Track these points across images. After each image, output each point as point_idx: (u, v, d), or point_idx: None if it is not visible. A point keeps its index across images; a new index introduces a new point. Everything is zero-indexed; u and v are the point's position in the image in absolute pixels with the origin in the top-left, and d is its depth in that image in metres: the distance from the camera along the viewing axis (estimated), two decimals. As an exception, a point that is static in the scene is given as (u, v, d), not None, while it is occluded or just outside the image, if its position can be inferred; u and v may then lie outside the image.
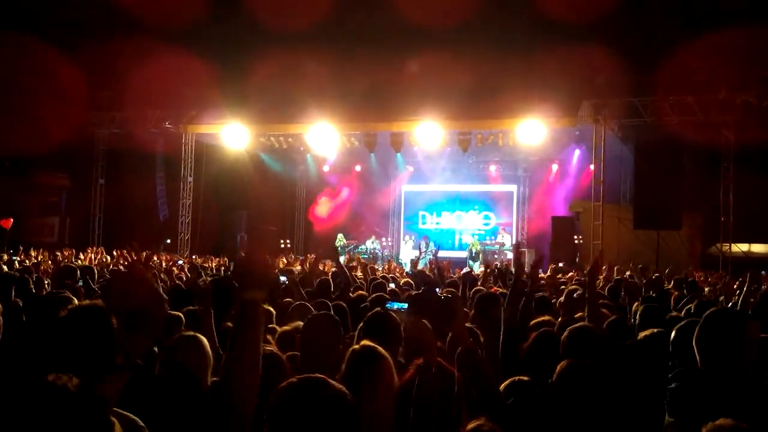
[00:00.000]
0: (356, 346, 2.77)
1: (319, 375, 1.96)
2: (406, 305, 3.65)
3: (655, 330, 3.94)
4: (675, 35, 15.26)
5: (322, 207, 25.91)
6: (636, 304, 6.26)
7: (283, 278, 7.34)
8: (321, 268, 12.42)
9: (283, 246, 22.69)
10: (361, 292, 6.44)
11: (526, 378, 3.16)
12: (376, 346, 2.74)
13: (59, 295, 4.78)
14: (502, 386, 3.05)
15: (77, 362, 2.40)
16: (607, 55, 15.23)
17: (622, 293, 7.54)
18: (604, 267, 13.27)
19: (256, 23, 16.19)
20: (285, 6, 16.33)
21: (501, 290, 7.48)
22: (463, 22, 15.68)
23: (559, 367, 2.94)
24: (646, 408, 2.89)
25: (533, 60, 15.65)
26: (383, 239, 24.36)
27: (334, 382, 1.94)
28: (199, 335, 3.21)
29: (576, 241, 18.68)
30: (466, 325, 4.43)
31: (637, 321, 4.97)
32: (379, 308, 3.65)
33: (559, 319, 4.63)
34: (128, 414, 2.33)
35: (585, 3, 14.93)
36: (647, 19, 16.49)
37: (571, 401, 2.80)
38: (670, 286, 8.70)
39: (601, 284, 9.74)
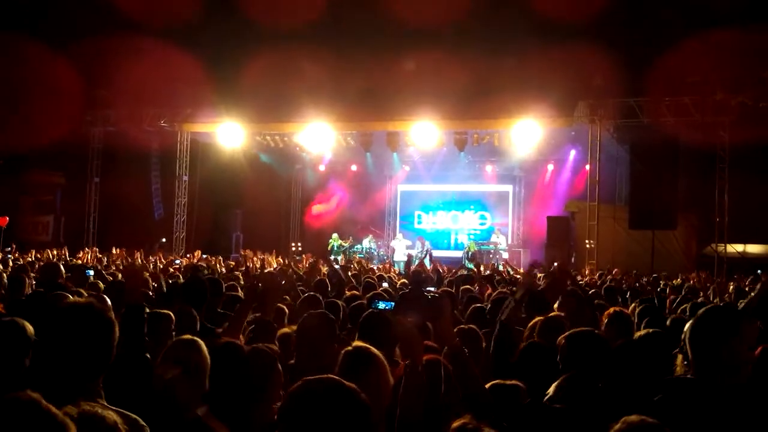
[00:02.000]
0: (349, 347, 2.76)
1: (333, 376, 1.95)
2: (392, 304, 3.65)
3: (650, 330, 3.95)
4: (671, 36, 15.29)
5: (318, 206, 25.89)
6: (633, 305, 6.28)
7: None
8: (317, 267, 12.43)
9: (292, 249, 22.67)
10: (354, 291, 6.45)
11: (512, 382, 3.14)
12: (369, 346, 2.73)
13: (55, 293, 4.76)
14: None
15: (74, 360, 2.38)
16: (603, 55, 15.26)
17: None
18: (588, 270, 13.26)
19: (252, 22, 16.17)
20: (281, 5, 16.31)
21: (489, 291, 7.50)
22: (459, 22, 15.69)
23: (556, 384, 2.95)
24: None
25: (529, 60, 15.65)
26: (380, 239, 24.31)
27: (349, 383, 1.93)
28: (197, 339, 3.20)
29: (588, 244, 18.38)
30: (470, 326, 4.44)
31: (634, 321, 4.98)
32: (372, 309, 3.64)
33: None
34: (130, 414, 2.32)
35: (581, 3, 14.95)
36: (643, 20, 16.52)
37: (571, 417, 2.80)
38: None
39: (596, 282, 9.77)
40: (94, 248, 15.31)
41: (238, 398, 2.51)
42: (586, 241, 17.42)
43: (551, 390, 3.05)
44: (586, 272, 14.97)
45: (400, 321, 2.60)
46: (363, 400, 1.88)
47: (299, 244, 24.08)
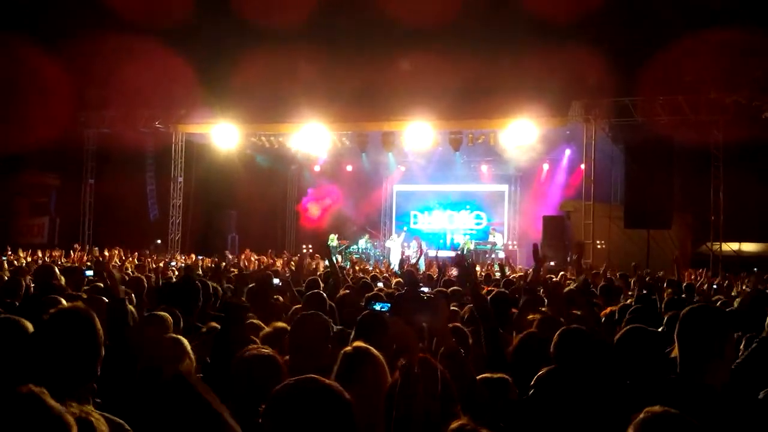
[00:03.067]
0: (348, 348, 2.76)
1: (314, 375, 1.98)
2: (389, 305, 3.65)
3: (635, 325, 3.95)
4: (665, 35, 15.32)
5: (314, 207, 25.86)
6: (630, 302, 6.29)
7: (276, 281, 7.35)
8: (313, 265, 12.43)
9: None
10: (346, 291, 6.45)
11: (499, 375, 3.16)
12: (369, 347, 2.73)
13: (48, 296, 4.74)
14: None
15: (61, 367, 2.37)
16: (597, 54, 15.29)
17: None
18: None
19: (246, 22, 16.15)
20: (275, 6, 16.30)
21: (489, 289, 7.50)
22: (453, 22, 15.70)
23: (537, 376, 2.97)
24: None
25: (524, 60, 15.68)
26: (377, 239, 24.28)
27: (331, 382, 1.97)
28: (181, 337, 3.21)
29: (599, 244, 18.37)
30: (457, 324, 4.44)
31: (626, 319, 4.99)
32: (368, 310, 3.65)
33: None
34: (114, 417, 2.32)
35: (575, 3, 14.98)
36: (637, 19, 16.55)
37: (548, 409, 2.82)
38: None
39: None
40: (93, 251, 15.24)
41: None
42: (598, 242, 17.42)
43: (533, 382, 3.07)
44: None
45: (396, 322, 2.60)
46: (345, 399, 1.91)
47: (310, 246, 24.07)
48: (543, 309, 4.93)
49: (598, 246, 17.37)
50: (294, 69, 17.49)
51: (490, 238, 22.87)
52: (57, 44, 16.26)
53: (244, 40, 16.53)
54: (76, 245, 14.70)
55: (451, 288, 7.34)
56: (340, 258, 19.12)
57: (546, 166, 23.13)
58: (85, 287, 6.64)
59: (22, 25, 16.50)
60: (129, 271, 9.53)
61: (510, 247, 22.75)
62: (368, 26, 16.48)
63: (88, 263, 10.34)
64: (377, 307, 3.57)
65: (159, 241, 19.84)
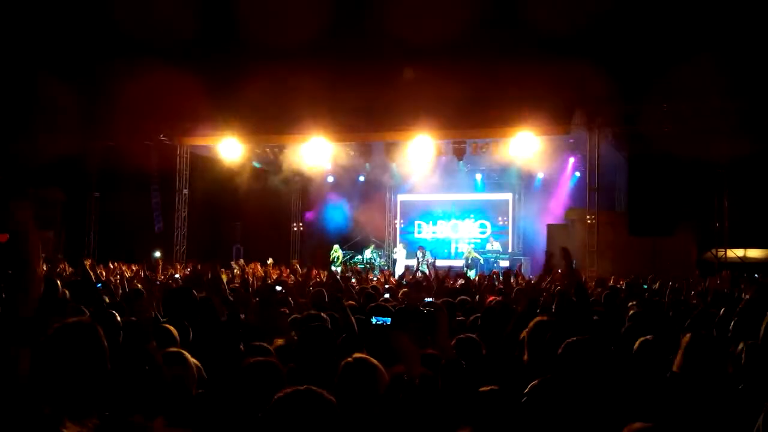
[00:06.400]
0: (349, 359, 2.79)
1: (310, 386, 2.10)
2: (389, 319, 3.67)
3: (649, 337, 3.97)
4: (668, 43, 15.34)
5: (318, 217, 25.87)
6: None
7: (278, 288, 7.36)
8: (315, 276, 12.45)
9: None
10: (351, 302, 6.46)
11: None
12: (368, 357, 2.75)
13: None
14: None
15: (68, 381, 2.39)
16: (600, 62, 15.30)
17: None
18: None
19: (250, 37, 16.25)
20: (278, 21, 16.40)
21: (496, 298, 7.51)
22: (456, 32, 15.76)
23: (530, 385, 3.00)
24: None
25: (527, 69, 15.70)
26: (381, 249, 24.27)
27: (323, 392, 2.09)
28: (183, 351, 3.24)
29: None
30: (470, 336, 4.44)
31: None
32: (371, 324, 3.67)
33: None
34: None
35: (578, 13, 15.02)
36: (640, 27, 16.58)
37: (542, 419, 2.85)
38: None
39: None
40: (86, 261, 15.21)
41: None
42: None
43: (527, 391, 3.10)
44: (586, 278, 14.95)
45: (397, 335, 2.63)
46: (336, 409, 2.06)
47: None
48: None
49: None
50: (298, 82, 17.55)
51: (488, 246, 22.85)
52: (62, 59, 16.37)
53: (248, 54, 16.63)
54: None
55: (459, 298, 7.35)
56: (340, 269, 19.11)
57: (550, 175, 23.09)
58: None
59: (27, 41, 16.62)
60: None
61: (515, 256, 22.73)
62: (372, 40, 16.57)
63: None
64: (374, 321, 3.59)
65: (158, 254, 19.84)
